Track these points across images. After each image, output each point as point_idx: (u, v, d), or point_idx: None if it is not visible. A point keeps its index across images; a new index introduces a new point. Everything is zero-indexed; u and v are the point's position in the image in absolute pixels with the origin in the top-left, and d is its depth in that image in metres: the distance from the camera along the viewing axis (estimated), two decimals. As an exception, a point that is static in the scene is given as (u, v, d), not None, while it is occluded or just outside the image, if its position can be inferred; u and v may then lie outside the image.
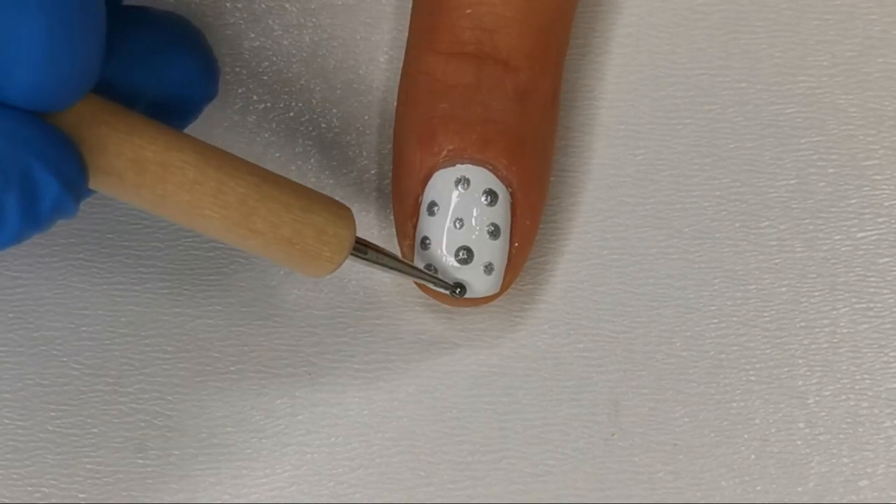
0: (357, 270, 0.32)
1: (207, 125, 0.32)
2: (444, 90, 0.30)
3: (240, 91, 0.33)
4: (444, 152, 0.30)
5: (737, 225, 0.32)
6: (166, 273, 0.32)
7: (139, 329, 0.32)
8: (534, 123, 0.30)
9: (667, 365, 0.32)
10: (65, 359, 0.32)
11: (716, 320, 0.32)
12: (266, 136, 0.33)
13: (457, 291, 0.30)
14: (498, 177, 0.30)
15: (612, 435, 0.31)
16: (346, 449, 0.32)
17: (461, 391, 0.32)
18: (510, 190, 0.30)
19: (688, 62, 0.33)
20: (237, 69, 0.33)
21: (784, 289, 0.32)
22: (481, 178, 0.30)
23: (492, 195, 0.30)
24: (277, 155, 0.33)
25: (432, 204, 0.30)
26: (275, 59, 0.33)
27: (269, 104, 0.33)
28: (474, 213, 0.30)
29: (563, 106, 0.32)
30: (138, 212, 0.32)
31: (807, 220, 0.32)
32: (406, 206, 0.30)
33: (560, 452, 0.31)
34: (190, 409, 0.32)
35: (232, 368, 0.32)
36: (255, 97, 0.33)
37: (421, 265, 0.30)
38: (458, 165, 0.30)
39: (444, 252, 0.30)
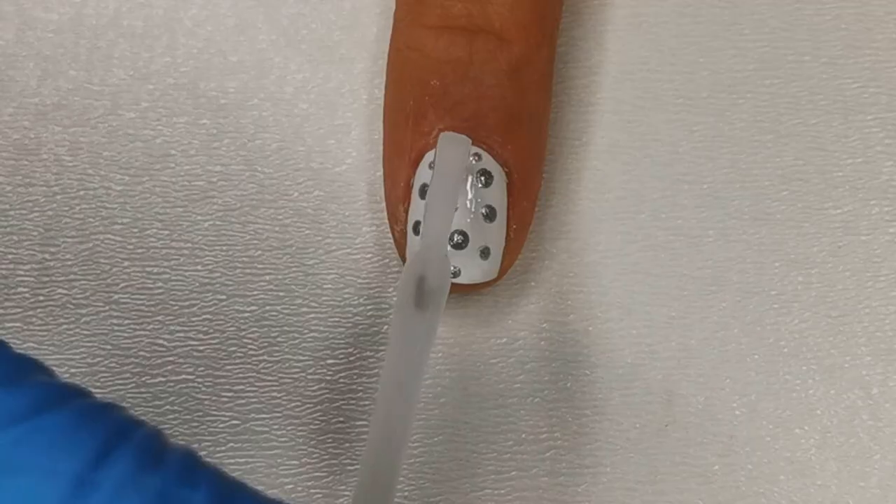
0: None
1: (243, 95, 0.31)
2: (434, 66, 0.29)
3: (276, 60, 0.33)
4: (435, 132, 0.29)
5: (799, 206, 0.32)
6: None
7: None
8: (529, 99, 0.30)
9: (723, 353, 0.31)
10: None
11: (776, 306, 0.31)
12: (304, 107, 0.32)
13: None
14: (492, 156, 0.29)
15: (666, 426, 0.31)
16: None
17: (506, 378, 0.31)
18: (506, 170, 0.29)
19: (750, 33, 0.33)
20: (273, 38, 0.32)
21: (848, 273, 0.32)
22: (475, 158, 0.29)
23: (486, 175, 0.29)
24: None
25: (424, 186, 0.29)
26: (314, 25, 0.33)
27: (307, 74, 0.32)
28: (468, 196, 0.29)
29: (619, 80, 0.32)
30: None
31: (872, 202, 0.32)
32: (397, 189, 0.30)
33: (611, 444, 0.31)
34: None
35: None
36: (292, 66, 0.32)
37: (414, 250, 0.29)
38: None
39: None
